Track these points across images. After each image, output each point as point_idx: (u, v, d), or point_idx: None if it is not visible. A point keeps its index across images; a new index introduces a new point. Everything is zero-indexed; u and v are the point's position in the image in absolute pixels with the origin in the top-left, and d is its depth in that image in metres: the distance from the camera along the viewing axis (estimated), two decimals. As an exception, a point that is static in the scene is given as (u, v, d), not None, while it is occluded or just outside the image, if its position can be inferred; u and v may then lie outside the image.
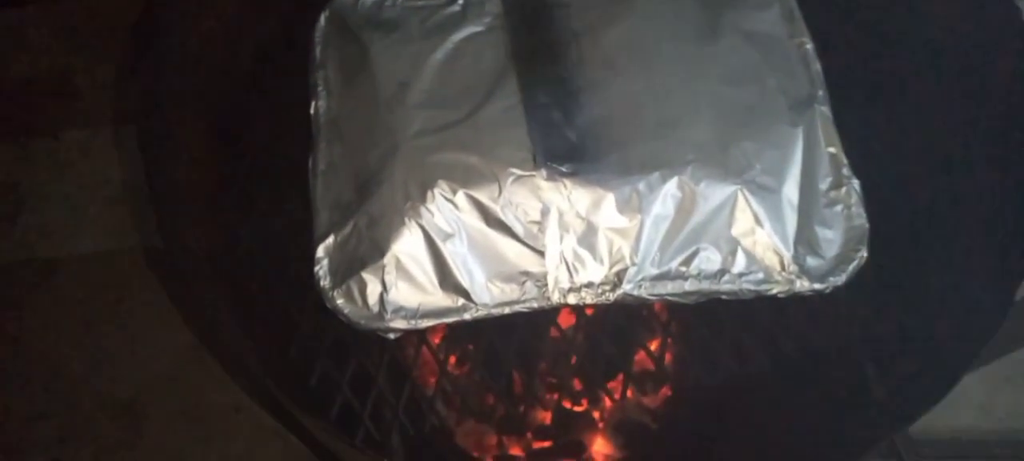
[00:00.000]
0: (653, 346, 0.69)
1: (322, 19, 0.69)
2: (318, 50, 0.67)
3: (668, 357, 0.68)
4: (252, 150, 0.70)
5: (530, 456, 0.73)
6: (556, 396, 0.68)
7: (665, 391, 0.71)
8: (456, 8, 0.69)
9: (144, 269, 0.88)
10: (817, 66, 0.67)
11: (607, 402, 0.68)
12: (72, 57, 0.99)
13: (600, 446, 0.73)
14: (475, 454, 0.73)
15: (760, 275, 0.59)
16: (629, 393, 0.66)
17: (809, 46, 0.68)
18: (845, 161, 0.64)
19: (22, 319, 0.86)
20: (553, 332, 0.66)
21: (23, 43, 1.00)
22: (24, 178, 0.94)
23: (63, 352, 0.85)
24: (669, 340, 0.68)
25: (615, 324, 0.66)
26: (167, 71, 0.65)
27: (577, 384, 0.68)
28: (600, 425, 0.73)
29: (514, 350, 0.65)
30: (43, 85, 0.98)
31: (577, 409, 0.71)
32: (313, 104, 0.65)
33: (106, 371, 0.84)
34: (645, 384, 0.71)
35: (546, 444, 0.73)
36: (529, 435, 0.72)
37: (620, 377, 0.67)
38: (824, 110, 0.65)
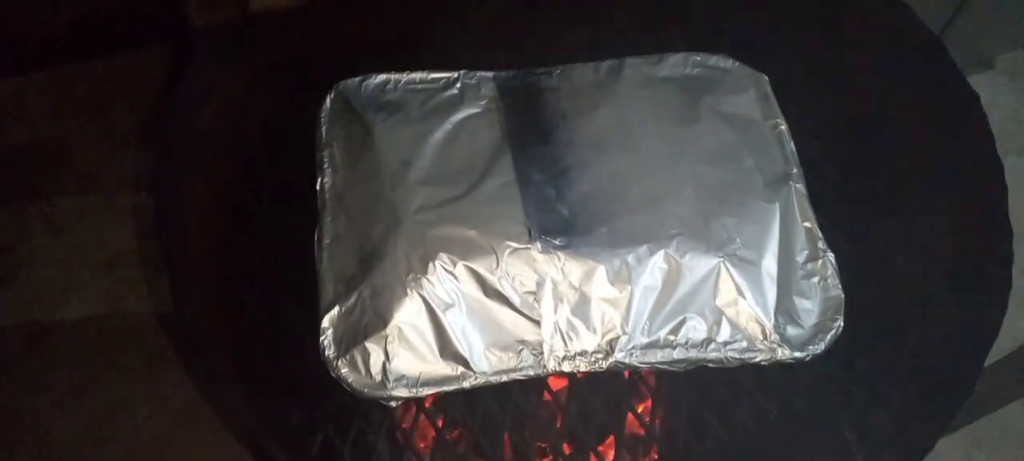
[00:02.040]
0: (642, 409, 0.71)
1: (328, 100, 0.72)
2: (324, 129, 0.71)
3: (657, 421, 0.71)
4: (259, 222, 0.72)
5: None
6: (548, 460, 0.70)
7: (654, 455, 0.73)
8: (454, 91, 0.73)
9: (136, 334, 0.88)
10: (791, 146, 0.72)
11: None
12: (70, 124, 1.00)
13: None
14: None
15: (744, 344, 0.63)
16: (619, 458, 0.68)
17: (783, 127, 0.73)
18: (820, 235, 0.68)
19: (13, 385, 0.86)
20: (546, 396, 0.68)
21: (23, 110, 1.01)
22: (18, 243, 0.94)
23: (53, 417, 0.84)
24: (658, 404, 0.70)
25: (605, 388, 0.68)
26: (179, 148, 0.68)
27: (567, 448, 0.70)
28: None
29: (509, 415, 0.67)
30: (40, 151, 0.99)
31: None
32: (319, 180, 0.68)
33: (94, 437, 0.83)
34: (635, 448, 0.73)
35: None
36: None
37: (610, 440, 0.70)
38: (799, 187, 0.69)
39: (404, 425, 0.68)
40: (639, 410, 0.71)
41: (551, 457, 0.70)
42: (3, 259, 0.92)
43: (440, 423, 0.67)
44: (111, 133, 0.98)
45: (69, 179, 0.97)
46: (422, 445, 0.70)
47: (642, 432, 0.70)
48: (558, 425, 0.68)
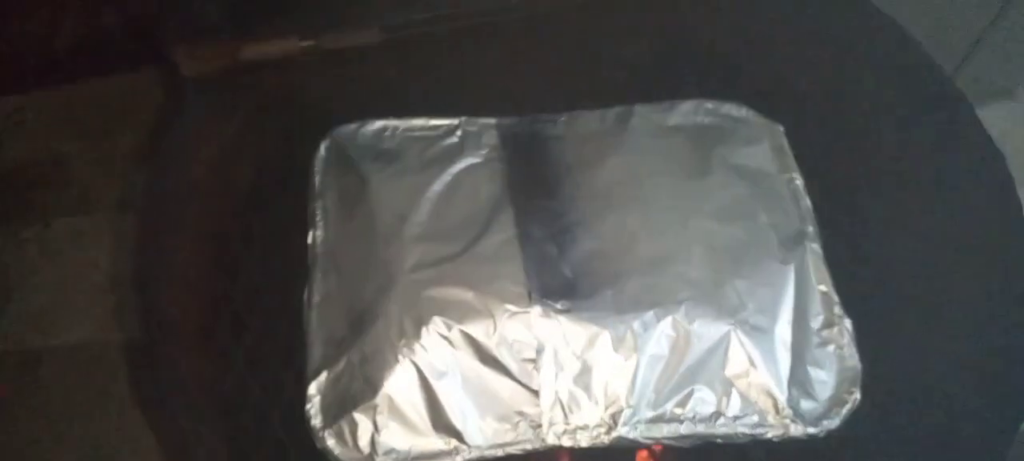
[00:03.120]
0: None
1: (322, 148, 0.70)
2: (317, 179, 0.68)
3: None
4: (248, 277, 0.69)
5: None
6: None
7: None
8: (454, 139, 0.70)
9: (131, 362, 0.85)
10: (807, 202, 0.69)
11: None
12: (69, 143, 0.98)
13: None
14: None
15: (755, 418, 0.59)
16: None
17: (799, 181, 0.70)
18: (836, 299, 0.64)
19: (6, 410, 0.83)
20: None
21: (22, 128, 1.00)
22: (13, 264, 0.92)
23: (46, 445, 0.82)
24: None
25: (609, 456, 0.65)
26: (167, 200, 0.66)
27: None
28: None
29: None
30: (38, 171, 0.97)
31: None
32: (310, 234, 0.65)
33: None
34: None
35: None
36: None
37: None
38: (814, 247, 0.66)
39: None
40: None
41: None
42: None
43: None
44: (110, 154, 0.96)
45: (66, 199, 0.95)
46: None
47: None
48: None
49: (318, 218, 0.66)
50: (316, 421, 0.57)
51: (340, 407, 0.57)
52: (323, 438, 0.57)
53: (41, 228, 0.93)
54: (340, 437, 0.57)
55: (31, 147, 0.98)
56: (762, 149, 0.71)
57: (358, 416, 0.57)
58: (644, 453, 0.68)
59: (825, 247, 0.67)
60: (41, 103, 1.00)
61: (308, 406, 0.58)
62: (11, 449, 0.80)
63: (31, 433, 0.81)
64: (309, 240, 0.65)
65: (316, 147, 0.70)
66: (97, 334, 0.86)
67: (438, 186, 0.66)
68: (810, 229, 0.67)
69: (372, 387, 0.57)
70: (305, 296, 0.62)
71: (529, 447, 0.58)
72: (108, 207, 0.93)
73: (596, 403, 0.59)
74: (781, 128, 0.73)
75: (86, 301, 0.89)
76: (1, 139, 0.97)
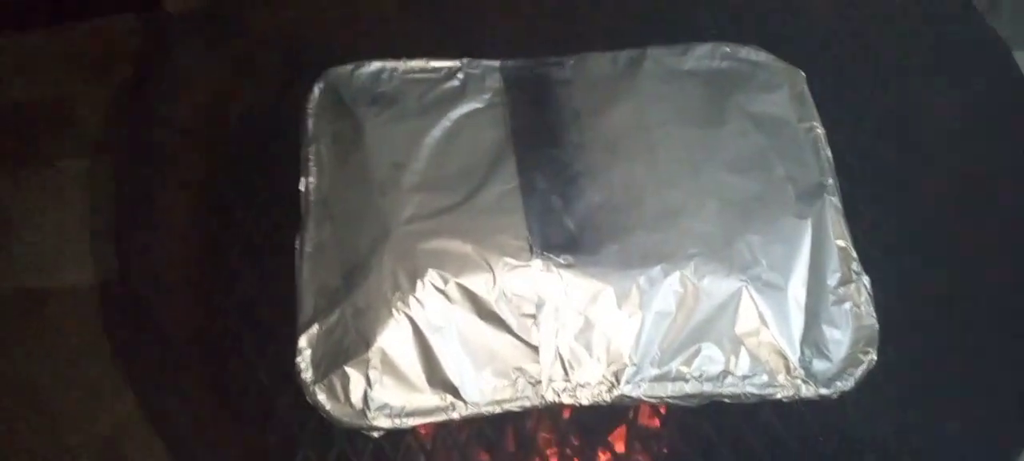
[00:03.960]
0: (649, 438, 0.66)
1: (316, 90, 0.66)
2: (311, 123, 0.65)
3: (665, 451, 0.65)
4: (238, 224, 0.67)
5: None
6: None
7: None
8: (455, 83, 0.67)
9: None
10: (827, 152, 0.65)
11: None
12: (73, 84, 0.97)
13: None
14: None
15: (764, 378, 0.57)
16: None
17: (819, 131, 0.66)
18: (854, 255, 0.61)
19: (9, 351, 0.83)
20: (545, 424, 0.63)
21: (24, 68, 0.98)
22: (16, 206, 0.91)
23: (48, 386, 0.82)
24: (666, 433, 0.65)
25: (610, 415, 0.63)
26: (155, 139, 0.63)
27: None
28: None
29: (505, 439, 0.62)
30: (41, 112, 0.96)
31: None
32: (303, 181, 0.62)
33: (90, 407, 0.81)
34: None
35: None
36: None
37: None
38: (834, 200, 0.63)
39: (390, 447, 0.63)
40: (647, 439, 0.65)
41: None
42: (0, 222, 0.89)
43: (429, 447, 0.63)
44: (114, 94, 0.94)
45: (69, 141, 0.94)
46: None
47: (649, 462, 0.65)
48: (557, 454, 0.63)
49: (311, 164, 0.63)
50: (306, 375, 0.55)
51: (332, 361, 0.55)
52: (314, 392, 0.55)
53: (44, 169, 0.92)
54: (331, 392, 0.55)
55: (33, 88, 0.96)
56: (781, 96, 0.67)
57: (350, 370, 0.55)
58: (646, 411, 0.66)
59: (845, 200, 0.63)
60: (43, 43, 0.98)
61: (298, 359, 0.56)
62: (12, 390, 0.80)
63: (31, 374, 0.81)
64: (302, 187, 0.62)
65: (309, 89, 0.66)
66: (100, 276, 0.86)
67: (437, 132, 0.63)
68: (830, 181, 0.64)
69: (365, 341, 0.55)
70: (297, 245, 0.60)
71: (528, 404, 0.56)
72: (114, 149, 0.92)
73: (598, 360, 0.56)
74: (802, 74, 0.69)
75: (89, 243, 0.88)
76: (2, 80, 0.95)
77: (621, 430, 0.64)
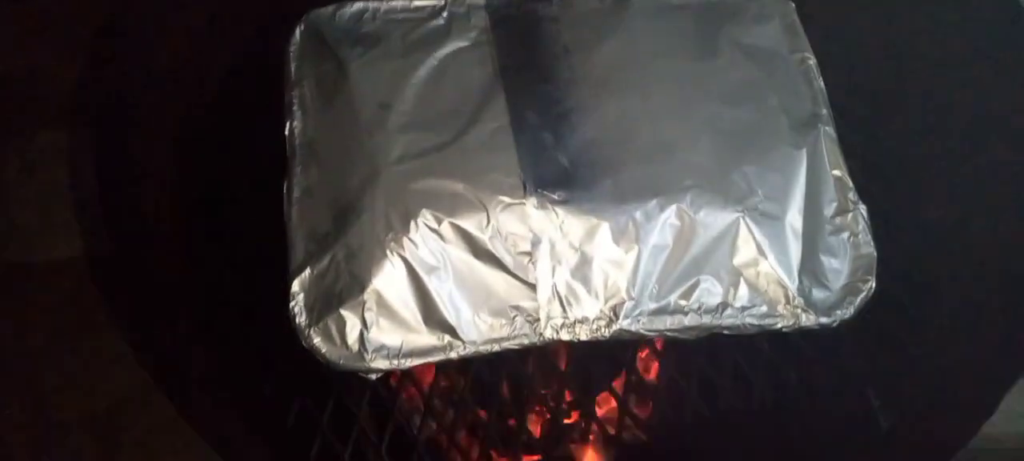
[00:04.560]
0: (648, 376, 0.66)
1: (297, 33, 0.64)
2: (293, 66, 0.63)
3: (664, 388, 0.65)
4: (224, 172, 0.65)
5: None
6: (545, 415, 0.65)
7: (654, 424, 0.68)
8: (440, 21, 0.65)
9: (118, 276, 0.83)
10: (820, 83, 0.64)
11: (581, 439, 0.65)
12: (45, 56, 0.94)
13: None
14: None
15: (764, 309, 0.56)
16: (622, 426, 0.63)
17: (812, 61, 0.65)
18: (851, 185, 0.60)
19: None
20: (543, 362, 0.62)
21: None
22: None
23: (36, 363, 0.80)
24: (665, 370, 0.65)
25: (608, 353, 0.62)
26: (132, 91, 0.61)
27: (565, 421, 0.65)
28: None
29: (503, 381, 0.61)
30: (11, 84, 0.93)
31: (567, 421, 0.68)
32: (288, 125, 0.61)
33: (81, 383, 0.79)
34: (639, 417, 0.68)
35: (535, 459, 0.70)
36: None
37: (613, 407, 0.64)
38: (828, 130, 0.62)
39: (387, 394, 0.62)
40: (645, 377, 0.65)
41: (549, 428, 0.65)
42: None
43: (427, 391, 0.62)
44: (88, 63, 0.91)
45: (46, 114, 0.91)
46: (409, 415, 0.65)
47: (648, 400, 0.64)
48: (556, 392, 0.62)
49: (295, 108, 0.61)
50: (301, 319, 0.54)
51: (326, 304, 0.54)
52: (309, 336, 0.54)
53: (21, 141, 0.89)
54: (327, 335, 0.54)
55: (4, 61, 0.93)
56: (773, 27, 0.66)
57: (345, 313, 0.53)
58: (645, 351, 0.66)
59: (839, 131, 0.62)
60: (11, 14, 0.95)
61: (292, 304, 0.54)
62: (7, 370, 0.78)
63: (19, 350, 0.79)
64: (286, 132, 0.60)
65: (291, 32, 0.64)
66: (82, 249, 0.84)
67: (423, 72, 0.61)
68: (824, 111, 0.63)
69: (359, 283, 0.54)
70: (284, 189, 0.58)
71: (526, 342, 0.55)
72: (90, 121, 0.89)
73: (596, 296, 0.56)
74: (792, 4, 0.68)
75: (70, 217, 0.86)
76: None
77: (619, 374, 0.63)
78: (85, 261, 0.83)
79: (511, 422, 0.65)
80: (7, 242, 0.84)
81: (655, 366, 0.66)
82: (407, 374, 0.61)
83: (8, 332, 0.80)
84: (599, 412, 0.64)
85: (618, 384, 0.63)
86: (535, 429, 0.68)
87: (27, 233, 0.85)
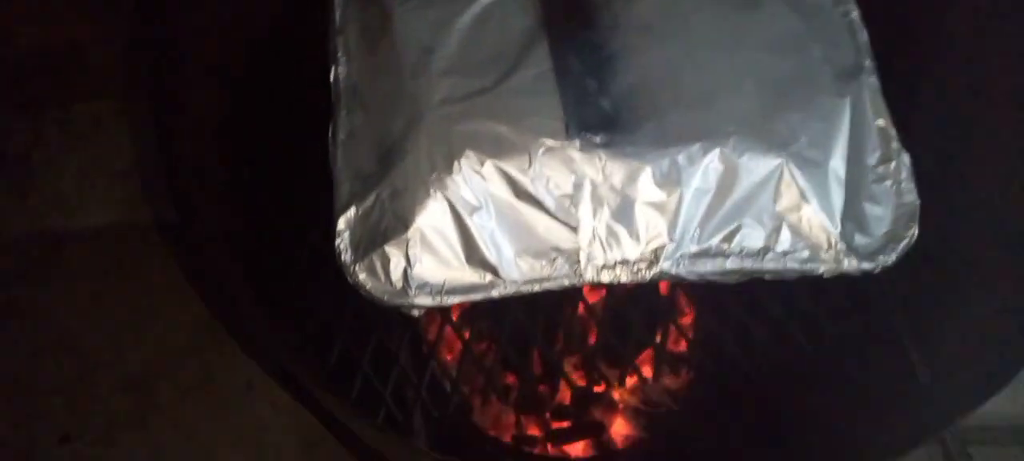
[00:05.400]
0: (685, 323, 0.66)
1: (342, -20, 0.65)
2: (338, 13, 0.64)
3: (701, 336, 0.66)
4: (270, 119, 0.67)
5: (549, 436, 0.71)
6: (578, 376, 0.66)
7: (694, 372, 0.69)
8: (483, -31, 0.65)
9: (156, 243, 0.86)
10: (864, 35, 0.64)
11: (629, 382, 0.65)
12: (84, 27, 0.96)
13: (619, 427, 0.71)
14: (495, 434, 0.71)
15: (806, 253, 0.56)
16: (653, 373, 0.63)
17: (855, 14, 0.65)
18: (894, 134, 0.60)
19: (33, 292, 0.84)
20: (580, 308, 0.63)
21: (33, 14, 0.97)
22: (34, 151, 0.92)
23: (74, 326, 0.83)
24: (702, 319, 0.65)
25: (645, 300, 0.63)
26: (180, 40, 0.62)
27: (601, 363, 0.65)
28: (620, 406, 0.70)
29: (539, 328, 0.62)
30: (54, 56, 0.96)
31: (598, 390, 0.69)
32: (333, 70, 0.61)
33: (118, 345, 0.83)
34: (675, 364, 0.68)
35: (565, 424, 0.71)
36: (548, 415, 0.70)
37: (648, 354, 0.65)
38: (872, 81, 0.61)
39: (427, 336, 0.64)
40: (682, 324, 0.65)
41: (583, 372, 0.65)
42: (18, 167, 0.90)
43: (466, 335, 0.63)
44: (126, 36, 0.93)
45: (84, 84, 0.94)
46: (447, 357, 0.66)
47: (684, 347, 0.65)
48: (592, 339, 0.63)
49: (340, 54, 0.62)
50: (346, 256, 0.55)
51: (371, 242, 0.55)
52: (354, 272, 0.55)
53: (60, 113, 0.92)
54: (372, 271, 0.55)
55: (44, 32, 0.95)
56: (817, -21, 0.65)
57: (390, 250, 0.54)
58: (682, 300, 0.66)
59: (886, 78, 0.62)
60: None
61: (338, 241, 0.55)
62: (38, 331, 0.81)
63: (56, 315, 0.82)
64: (331, 77, 0.61)
65: (336, -20, 0.65)
66: (121, 217, 0.86)
67: (466, 18, 0.62)
68: (867, 63, 0.62)
69: (403, 222, 0.55)
70: (330, 133, 0.59)
71: (567, 283, 0.56)
72: (127, 92, 0.92)
73: (637, 239, 0.56)
74: (837, -44, 0.67)
75: (109, 185, 0.89)
76: (14, 28, 0.95)
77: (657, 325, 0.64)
78: (123, 228, 0.86)
79: (541, 389, 0.66)
80: (49, 210, 0.87)
81: (692, 317, 0.67)
82: (446, 318, 0.62)
83: (45, 297, 0.83)
84: (631, 380, 0.64)
85: (657, 333, 0.64)
86: (565, 396, 0.69)
87: (68, 202, 0.88)
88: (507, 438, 0.70)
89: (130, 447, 0.77)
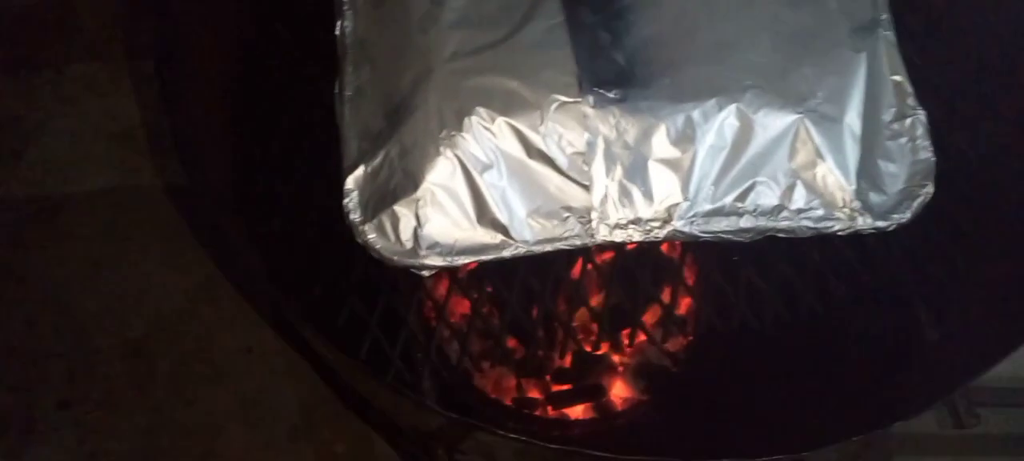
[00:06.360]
0: (694, 284, 0.66)
1: (346, -69, 0.63)
2: (343, -36, 0.62)
3: (710, 296, 0.65)
4: (274, 75, 0.65)
5: (551, 399, 0.71)
6: (581, 338, 0.65)
7: (700, 333, 0.68)
8: (492, -80, 0.63)
9: (153, 207, 0.85)
10: (881, -11, 0.62)
11: (630, 346, 0.65)
12: None
13: (620, 389, 0.71)
14: (506, 399, 0.71)
15: (820, 212, 0.56)
16: (652, 336, 0.63)
17: (871, -35, 0.63)
18: (910, 90, 0.59)
19: (28, 257, 0.83)
20: (589, 267, 0.62)
21: None
22: (27, 113, 0.90)
23: (71, 291, 0.82)
24: (712, 279, 0.64)
25: (656, 260, 0.62)
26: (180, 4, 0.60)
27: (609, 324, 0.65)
28: (621, 369, 0.70)
29: (548, 289, 0.61)
30: (47, 17, 0.94)
31: (599, 353, 0.69)
32: (338, 24, 0.60)
33: (115, 311, 0.82)
34: (684, 324, 0.68)
35: (566, 387, 0.70)
36: (549, 378, 0.70)
37: (657, 315, 0.64)
38: (888, 35, 0.60)
39: (435, 297, 0.63)
40: (691, 284, 0.65)
41: (594, 331, 0.65)
42: (12, 130, 0.88)
43: (475, 296, 0.62)
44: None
45: (78, 46, 0.92)
46: (455, 318, 0.65)
47: (693, 307, 0.64)
48: (602, 299, 0.62)
49: (345, 8, 0.60)
50: (355, 216, 0.54)
51: (380, 201, 0.54)
52: (363, 232, 0.54)
53: (54, 75, 0.90)
54: (381, 231, 0.54)
55: None
56: (833, -69, 0.64)
57: (399, 209, 0.53)
58: (691, 259, 0.65)
59: (900, 38, 0.61)
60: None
61: (346, 200, 0.54)
62: (35, 295, 0.80)
63: (54, 279, 0.81)
64: (337, 31, 0.60)
65: (339, -69, 0.63)
66: (117, 181, 0.85)
67: (475, -31, 0.60)
68: (884, 17, 0.61)
69: (413, 181, 0.54)
70: (336, 90, 0.58)
71: (579, 243, 0.55)
72: (122, 53, 0.90)
73: (650, 198, 0.55)
74: (853, -92, 0.65)
75: (104, 148, 0.87)
76: None
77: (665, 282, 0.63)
78: (119, 191, 0.84)
79: (540, 354, 0.65)
80: (43, 175, 0.85)
81: (701, 275, 0.66)
82: (454, 279, 0.62)
83: (42, 262, 0.81)
84: (640, 337, 0.64)
85: (664, 293, 0.63)
86: (566, 360, 0.69)
87: (62, 166, 0.86)
88: (530, 395, 0.70)
89: (129, 412, 0.77)
